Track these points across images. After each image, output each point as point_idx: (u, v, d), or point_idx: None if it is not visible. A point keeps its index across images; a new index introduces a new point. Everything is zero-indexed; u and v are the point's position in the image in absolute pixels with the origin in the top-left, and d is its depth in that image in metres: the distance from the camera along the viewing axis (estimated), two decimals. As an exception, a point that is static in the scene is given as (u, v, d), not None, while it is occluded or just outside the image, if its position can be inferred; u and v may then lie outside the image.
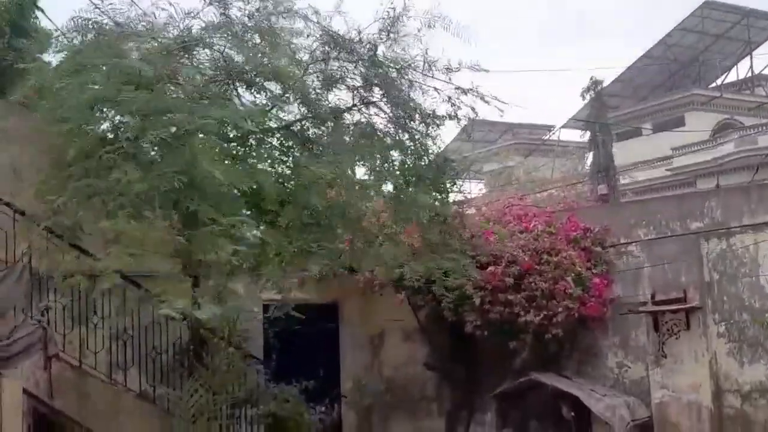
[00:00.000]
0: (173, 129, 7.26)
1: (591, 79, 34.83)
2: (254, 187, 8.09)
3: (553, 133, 44.97)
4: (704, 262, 11.46)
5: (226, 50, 8.36)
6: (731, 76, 46.97)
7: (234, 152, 8.21)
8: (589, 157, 35.95)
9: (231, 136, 8.14)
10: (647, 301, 11.69)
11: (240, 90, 8.49)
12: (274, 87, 8.52)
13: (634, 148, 38.65)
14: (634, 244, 12.12)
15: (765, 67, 45.36)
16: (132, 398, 10.20)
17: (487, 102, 9.21)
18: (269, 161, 8.91)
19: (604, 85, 38.88)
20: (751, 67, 45.96)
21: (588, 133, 36.29)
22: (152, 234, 8.58)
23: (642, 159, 37.16)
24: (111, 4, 8.25)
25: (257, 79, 7.99)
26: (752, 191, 12.13)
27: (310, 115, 8.95)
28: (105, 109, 7.93)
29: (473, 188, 35.29)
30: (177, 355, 10.88)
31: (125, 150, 7.65)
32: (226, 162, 7.92)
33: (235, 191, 7.59)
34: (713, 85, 45.63)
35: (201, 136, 7.29)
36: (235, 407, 10.77)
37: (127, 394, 10.19)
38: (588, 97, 35.26)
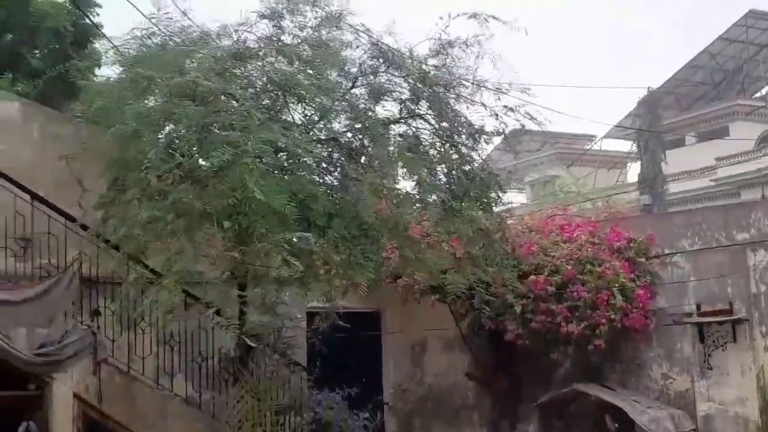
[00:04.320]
0: (229, 148, 7.37)
1: (648, 89, 35.31)
2: (303, 199, 8.19)
3: (595, 143, 44.77)
4: (751, 274, 11.32)
5: (277, 63, 8.48)
6: (776, 86, 46.33)
7: (283, 164, 8.29)
8: (631, 167, 35.85)
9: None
10: (692, 313, 11.58)
11: (289, 101, 8.58)
12: (324, 98, 8.61)
13: (677, 158, 38.28)
14: (678, 254, 12.02)
15: (811, 77, 44.67)
16: (178, 403, 10.34)
17: (534, 121, 9.32)
18: (317, 172, 9.02)
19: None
20: (796, 77, 45.33)
21: (633, 143, 36.37)
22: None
23: (685, 169, 36.77)
24: (167, 14, 8.44)
25: (306, 92, 8.07)
26: (800, 202, 11.97)
27: (357, 127, 9.04)
28: (162, 122, 8.07)
29: (514, 198, 35.27)
30: (222, 362, 11.01)
31: (180, 166, 7.79)
32: (275, 174, 8.00)
33: (286, 206, 7.66)
34: (758, 95, 45.02)
35: (250, 159, 7.36)
36: (279, 414, 10.87)
37: (174, 400, 10.33)
38: (632, 110, 35.45)
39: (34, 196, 9.85)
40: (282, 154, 8.14)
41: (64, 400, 9.33)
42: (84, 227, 9.62)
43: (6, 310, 9.01)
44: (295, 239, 7.86)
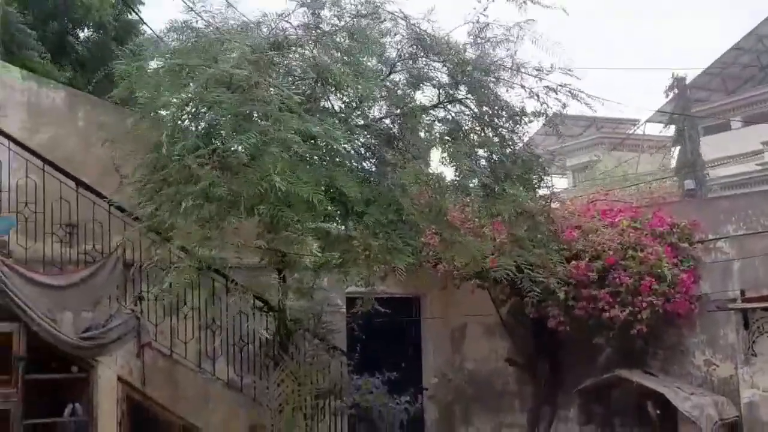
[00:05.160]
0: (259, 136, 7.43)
1: (673, 76, 34.57)
2: (339, 187, 8.23)
3: (638, 128, 44.21)
4: (797, 260, 11.14)
5: (315, 50, 8.52)
6: (826, 68, 45.27)
7: (318, 154, 8.32)
8: (676, 152, 35.35)
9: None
10: (737, 298, 11.42)
11: (328, 89, 8.61)
12: (361, 85, 8.62)
13: (722, 142, 37.67)
14: (723, 240, 11.85)
15: None
16: (220, 387, 10.48)
17: (578, 99, 9.24)
18: (354, 159, 9.04)
19: (693, 77, 38.15)
20: None
21: (672, 128, 35.77)
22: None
23: (731, 153, 36.17)
24: (204, 6, 8.54)
25: (343, 81, 8.08)
26: None
27: (396, 112, 9.04)
28: (201, 110, 8.16)
29: (557, 183, 34.93)
30: (263, 346, 11.14)
31: (215, 152, 7.87)
32: (309, 162, 8.02)
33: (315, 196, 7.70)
34: (807, 77, 44.06)
35: (276, 149, 7.41)
36: (319, 398, 10.97)
37: (216, 383, 10.47)
38: (671, 95, 34.84)
39: (79, 183, 10.03)
40: (320, 142, 8.16)
41: (109, 383, 9.52)
42: (122, 209, 9.71)
43: (53, 295, 9.22)
44: (326, 228, 7.88)
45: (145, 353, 9.74)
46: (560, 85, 9.25)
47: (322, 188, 7.84)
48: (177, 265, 8.34)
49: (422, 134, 9.13)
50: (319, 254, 8.14)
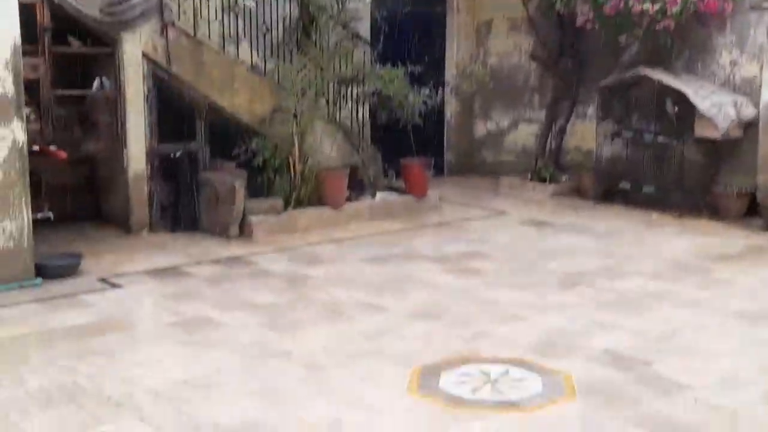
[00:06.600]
0: None
1: None
2: None
3: None
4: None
5: None
6: None
7: None
8: None
9: None
10: (773, -1, 11.09)
11: None
12: None
13: None
14: (770, -65, 11.27)
15: None
16: (244, 70, 10.58)
17: None
18: None
19: None
20: None
21: None
22: None
23: None
24: None
25: None
26: None
27: None
28: None
29: None
30: (286, 32, 11.13)
31: None
32: None
33: None
34: None
35: None
36: (342, 84, 11.12)
37: (240, 66, 10.56)
38: None
39: None
40: None
41: (135, 59, 9.62)
42: None
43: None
44: None
45: (169, 32, 9.74)
46: None
47: None
48: None
49: None
50: None
